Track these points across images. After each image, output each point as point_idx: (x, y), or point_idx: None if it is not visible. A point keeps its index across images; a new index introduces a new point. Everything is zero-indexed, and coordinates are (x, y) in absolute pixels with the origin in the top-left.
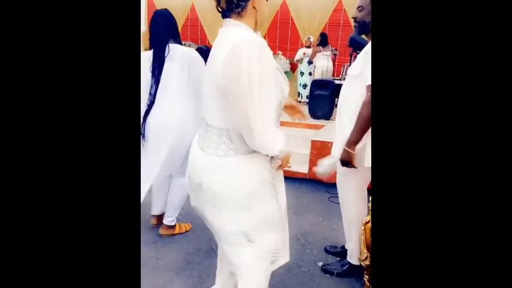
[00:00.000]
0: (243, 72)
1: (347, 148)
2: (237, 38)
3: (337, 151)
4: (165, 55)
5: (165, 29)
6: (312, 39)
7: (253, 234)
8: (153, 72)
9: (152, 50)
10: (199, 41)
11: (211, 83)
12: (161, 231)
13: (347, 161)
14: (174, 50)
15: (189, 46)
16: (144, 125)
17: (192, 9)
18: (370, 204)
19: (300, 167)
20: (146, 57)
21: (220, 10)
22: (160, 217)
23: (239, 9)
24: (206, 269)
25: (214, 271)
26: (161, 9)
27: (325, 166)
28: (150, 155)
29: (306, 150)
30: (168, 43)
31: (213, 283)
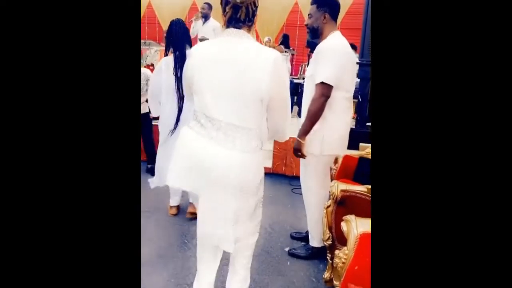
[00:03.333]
0: (285, 85)
1: (298, 138)
2: (269, 53)
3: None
4: (184, 59)
5: (182, 37)
6: (270, 39)
7: (257, 209)
8: (176, 74)
9: (172, 56)
10: (157, 39)
11: (243, 87)
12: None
13: (297, 149)
14: None
15: (149, 45)
16: (178, 123)
17: (149, 6)
18: (331, 190)
19: (265, 162)
20: (168, 62)
21: (228, 20)
22: (178, 207)
23: (250, 23)
24: (180, 262)
25: (188, 263)
26: (176, 18)
27: None
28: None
29: (270, 146)
30: (185, 49)
31: (187, 274)
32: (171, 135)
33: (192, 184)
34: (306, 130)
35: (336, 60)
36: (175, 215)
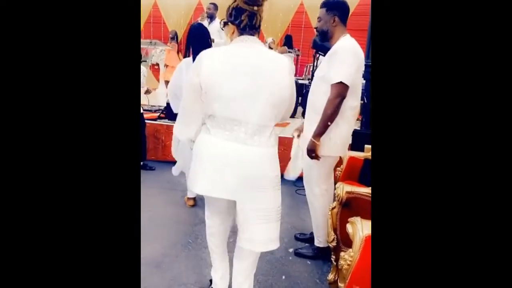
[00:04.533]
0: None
1: (313, 139)
2: (282, 58)
3: (305, 144)
4: None
5: (201, 40)
6: (274, 40)
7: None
8: None
9: (191, 57)
10: (163, 39)
11: (268, 90)
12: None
13: (312, 150)
14: None
15: (154, 44)
16: None
17: (155, 6)
18: (336, 191)
19: None
20: (188, 64)
21: (243, 27)
22: (195, 199)
23: (259, 29)
24: (183, 261)
25: (192, 264)
26: (195, 22)
27: (294, 170)
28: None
29: None
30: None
31: (191, 274)
32: None
33: (227, 189)
34: (321, 131)
35: (353, 61)
36: (193, 206)
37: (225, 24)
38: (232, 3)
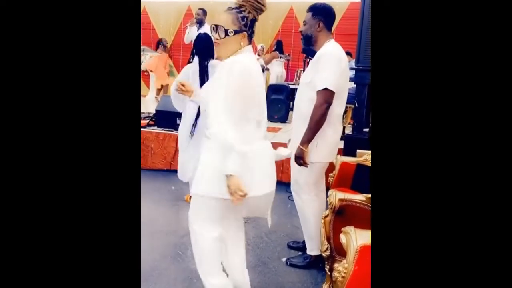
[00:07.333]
0: None
1: (300, 146)
2: None
3: (294, 149)
4: (208, 69)
5: (207, 49)
6: (264, 47)
7: None
8: (201, 82)
9: (196, 64)
10: (152, 45)
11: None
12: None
13: (300, 157)
14: (217, 67)
15: (143, 50)
16: (195, 125)
17: (144, 12)
18: (328, 199)
19: None
20: (194, 70)
21: (251, 37)
22: None
23: None
24: (173, 274)
25: (182, 276)
26: (203, 33)
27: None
28: (193, 149)
29: None
30: (209, 60)
31: None
32: (191, 137)
33: (274, 180)
34: (309, 138)
35: (338, 66)
36: None
37: (237, 32)
38: (246, 14)
